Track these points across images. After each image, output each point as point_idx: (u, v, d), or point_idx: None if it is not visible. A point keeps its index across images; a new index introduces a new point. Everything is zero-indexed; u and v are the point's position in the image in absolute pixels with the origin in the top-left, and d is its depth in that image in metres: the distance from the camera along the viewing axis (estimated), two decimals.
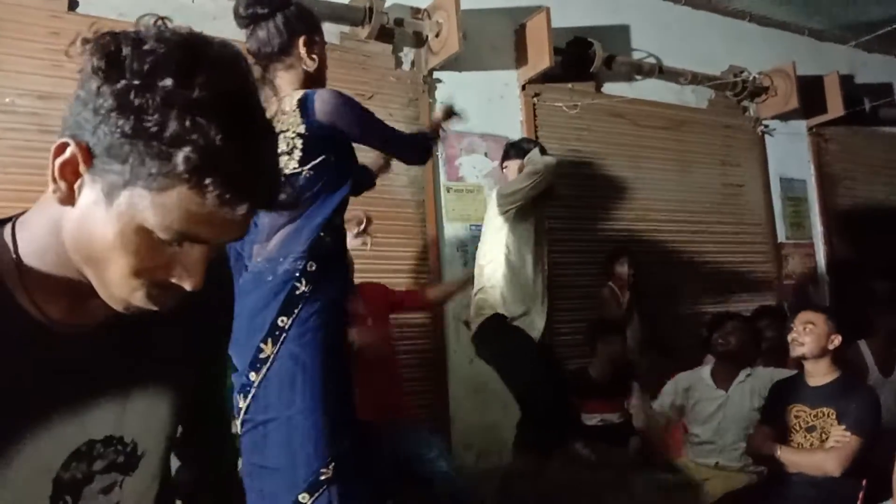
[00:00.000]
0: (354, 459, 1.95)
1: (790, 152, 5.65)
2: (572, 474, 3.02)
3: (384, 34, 4.03)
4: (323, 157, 1.98)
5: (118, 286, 0.73)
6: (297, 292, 1.92)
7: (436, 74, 4.21)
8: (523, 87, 4.50)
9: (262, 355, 1.90)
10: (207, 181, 0.66)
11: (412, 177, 4.09)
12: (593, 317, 4.00)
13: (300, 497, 1.84)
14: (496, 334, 2.92)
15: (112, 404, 0.82)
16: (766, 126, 5.53)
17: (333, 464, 1.87)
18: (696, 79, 5.14)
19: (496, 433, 3.65)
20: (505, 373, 2.93)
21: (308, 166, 1.96)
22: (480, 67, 4.37)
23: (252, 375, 1.91)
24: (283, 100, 2.03)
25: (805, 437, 2.79)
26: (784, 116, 5.50)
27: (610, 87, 4.88)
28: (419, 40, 4.14)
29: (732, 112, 5.47)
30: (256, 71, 2.06)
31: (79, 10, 3.36)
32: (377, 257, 3.52)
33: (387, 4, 3.98)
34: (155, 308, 0.75)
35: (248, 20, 2.07)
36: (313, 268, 1.95)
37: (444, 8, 3.96)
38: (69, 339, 0.79)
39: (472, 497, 2.71)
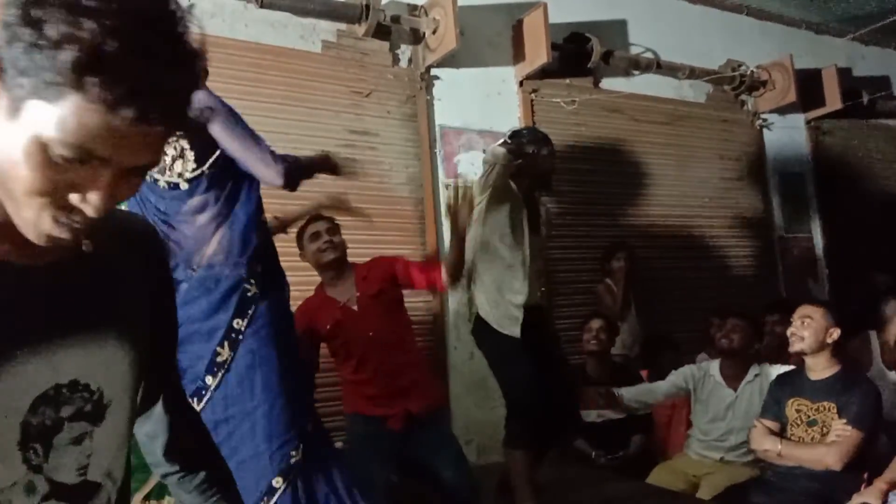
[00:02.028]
0: (319, 442, 2.01)
1: (788, 146, 5.65)
2: (564, 471, 3.02)
3: (381, 31, 4.02)
4: (218, 151, 1.98)
5: (25, 207, 0.73)
6: (249, 294, 1.97)
7: (433, 71, 4.21)
8: (521, 83, 4.50)
9: (219, 359, 1.94)
10: (92, 81, 0.65)
11: (410, 174, 4.09)
12: (590, 312, 3.98)
13: (273, 482, 1.89)
14: (480, 334, 2.91)
15: (75, 348, 0.83)
16: (765, 120, 5.53)
17: (301, 446, 1.93)
18: (693, 73, 5.14)
19: (496, 429, 3.64)
20: (493, 370, 2.94)
21: (207, 165, 1.97)
22: (478, 64, 4.37)
23: (208, 379, 1.94)
24: None
25: (806, 430, 2.80)
26: (782, 110, 5.50)
27: (608, 83, 4.87)
28: (416, 37, 4.14)
29: (730, 106, 5.47)
30: None
31: None
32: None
33: (383, 1, 3.98)
34: (66, 237, 0.74)
35: None
36: (259, 269, 2.00)
37: (441, 4, 3.96)
38: (22, 276, 0.79)
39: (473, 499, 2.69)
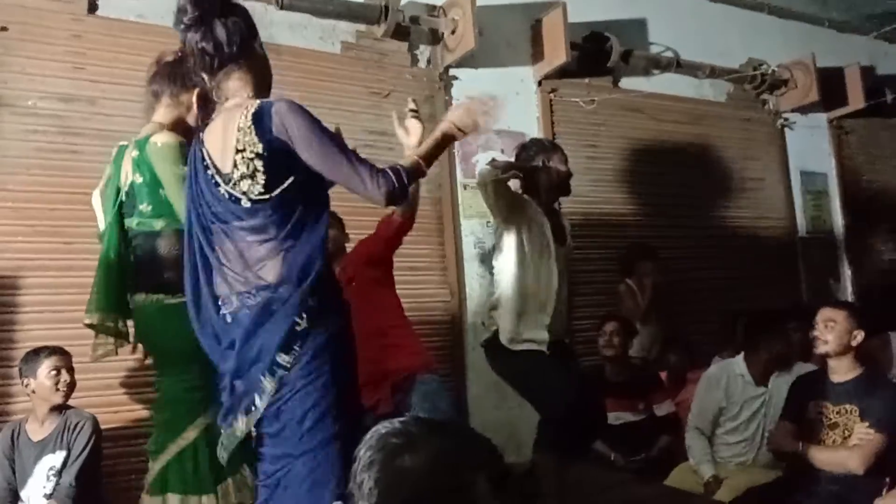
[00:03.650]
0: None
1: (810, 145, 5.59)
2: (592, 474, 3.00)
3: (400, 32, 4.03)
4: (292, 178, 1.81)
5: None
6: (298, 328, 1.79)
7: (452, 71, 4.21)
8: (539, 83, 4.49)
9: (263, 385, 1.81)
10: None
11: (429, 175, 4.05)
12: (605, 315, 3.95)
13: None
14: (494, 356, 2.84)
15: None
16: (786, 119, 5.48)
17: (341, 500, 1.73)
18: (714, 72, 5.10)
19: (514, 428, 3.66)
20: (517, 388, 2.88)
21: (277, 192, 1.80)
22: (496, 64, 4.36)
23: (258, 401, 1.82)
24: (233, 110, 1.86)
25: (827, 434, 2.77)
26: (804, 109, 5.45)
27: (627, 82, 4.85)
28: (435, 37, 4.14)
29: (752, 105, 5.42)
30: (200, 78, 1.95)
31: (99, 12, 3.39)
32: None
33: (402, 2, 3.99)
34: None
35: (198, 16, 1.84)
36: (314, 303, 1.82)
37: (460, 5, 3.96)
38: None
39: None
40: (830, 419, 2.77)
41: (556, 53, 4.29)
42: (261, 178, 1.79)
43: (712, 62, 5.08)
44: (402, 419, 1.27)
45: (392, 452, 1.21)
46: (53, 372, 2.69)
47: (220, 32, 1.85)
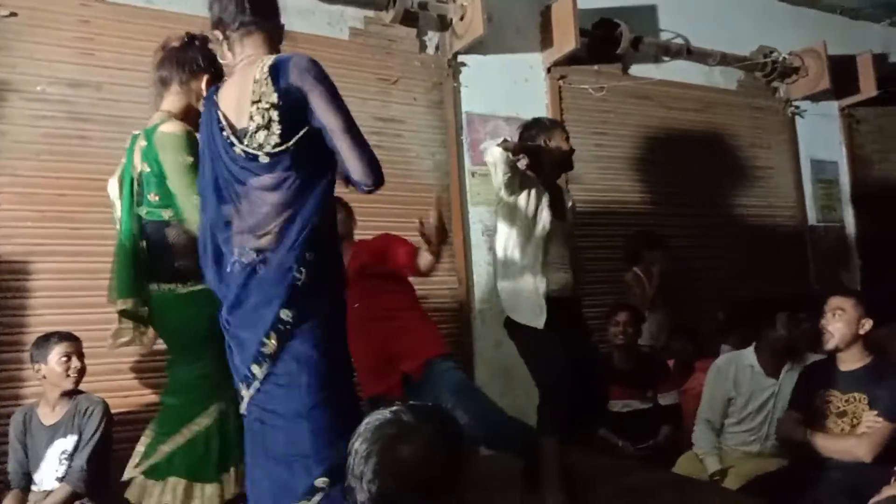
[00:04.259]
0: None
1: (821, 134, 5.56)
2: (590, 461, 3.00)
3: (408, 18, 4.02)
4: (306, 128, 1.84)
5: None
6: (298, 283, 1.83)
7: (460, 58, 4.20)
8: (549, 70, 4.47)
9: (265, 350, 1.84)
10: None
11: (437, 161, 4.09)
12: (616, 304, 3.95)
13: (317, 482, 1.81)
14: (509, 327, 2.89)
15: None
16: (797, 107, 5.44)
17: (329, 474, 1.82)
18: (724, 59, 5.07)
19: (522, 415, 3.63)
20: (524, 361, 2.91)
21: (293, 141, 1.82)
22: (505, 50, 4.34)
23: (255, 368, 1.86)
24: (248, 67, 1.89)
25: (836, 422, 2.76)
26: (815, 97, 5.41)
27: (637, 69, 4.82)
28: (443, 24, 4.13)
29: (762, 93, 5.39)
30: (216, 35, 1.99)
31: None
32: None
33: None
34: None
35: None
36: (311, 257, 1.85)
37: None
38: None
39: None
40: (839, 407, 2.77)
41: (566, 40, 4.26)
42: (276, 128, 1.82)
43: (723, 49, 5.04)
44: (392, 409, 1.29)
45: (387, 443, 1.24)
46: (64, 358, 2.71)
47: None
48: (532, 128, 3.01)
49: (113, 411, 2.84)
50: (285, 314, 1.83)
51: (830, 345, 2.79)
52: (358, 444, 1.26)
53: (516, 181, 2.74)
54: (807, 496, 2.67)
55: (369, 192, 1.91)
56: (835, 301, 2.83)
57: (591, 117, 4.59)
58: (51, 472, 2.71)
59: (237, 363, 1.93)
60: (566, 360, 2.71)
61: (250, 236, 1.87)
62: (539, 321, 2.72)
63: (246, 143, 1.85)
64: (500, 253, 2.86)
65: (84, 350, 2.79)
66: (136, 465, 2.25)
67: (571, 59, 4.43)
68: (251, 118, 1.84)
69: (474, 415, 2.58)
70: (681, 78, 4.98)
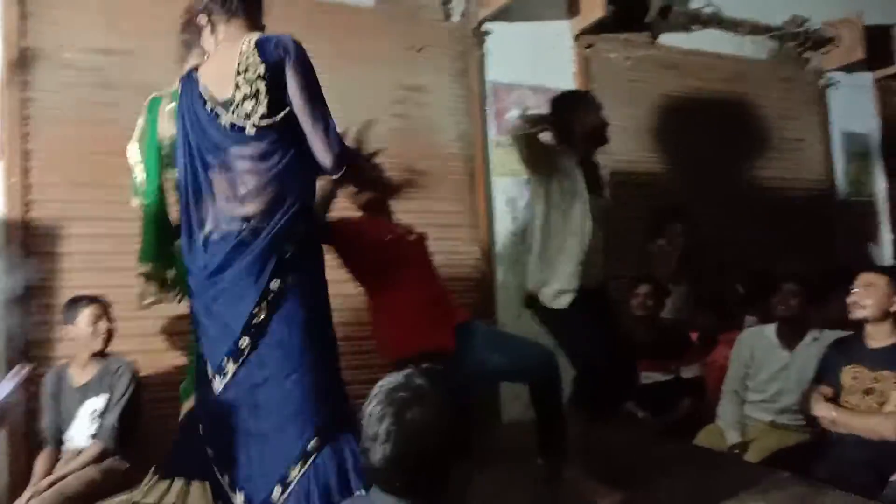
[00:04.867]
0: (339, 421, 1.94)
1: (854, 105, 5.44)
2: (619, 432, 3.01)
3: None
4: (288, 108, 1.91)
5: None
6: (288, 255, 1.90)
7: (486, 26, 4.15)
8: (576, 38, 4.41)
9: (255, 321, 1.88)
10: None
11: (461, 132, 4.07)
12: (638, 276, 3.93)
13: (290, 469, 1.87)
14: (536, 308, 2.86)
15: None
16: (829, 78, 5.33)
17: (320, 434, 1.89)
18: (756, 29, 4.96)
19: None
20: (554, 338, 2.89)
21: (280, 116, 1.89)
22: (532, 18, 4.28)
23: (244, 341, 1.90)
24: (231, 44, 1.95)
25: (862, 398, 2.73)
26: (848, 68, 5.28)
27: (666, 38, 4.74)
28: None
29: (793, 64, 5.27)
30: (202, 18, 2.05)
31: None
32: (425, 211, 3.53)
33: None
34: None
35: None
36: (301, 230, 1.92)
37: None
38: None
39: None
40: (866, 384, 2.74)
41: (593, 8, 4.20)
42: (263, 98, 1.88)
43: (754, 19, 4.93)
44: (405, 372, 1.32)
45: (401, 406, 1.27)
46: (92, 320, 2.77)
47: None
48: (563, 100, 2.94)
49: (142, 373, 2.91)
50: (275, 284, 1.89)
51: (859, 314, 2.77)
52: (372, 407, 1.30)
53: (537, 157, 2.69)
54: (828, 471, 2.67)
55: (333, 175, 1.96)
56: (866, 276, 2.79)
57: (619, 87, 4.52)
58: (83, 430, 2.78)
59: (212, 342, 1.96)
60: (597, 337, 2.71)
61: (235, 204, 1.91)
62: (563, 302, 2.70)
63: (233, 112, 1.90)
64: (534, 231, 2.80)
65: (114, 313, 2.84)
66: None
67: (599, 28, 4.36)
68: (237, 87, 1.89)
69: (516, 348, 2.73)
70: (711, 48, 4.88)
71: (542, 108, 4.20)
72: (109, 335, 2.82)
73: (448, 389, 1.33)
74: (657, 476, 2.71)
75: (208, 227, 1.95)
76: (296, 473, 1.87)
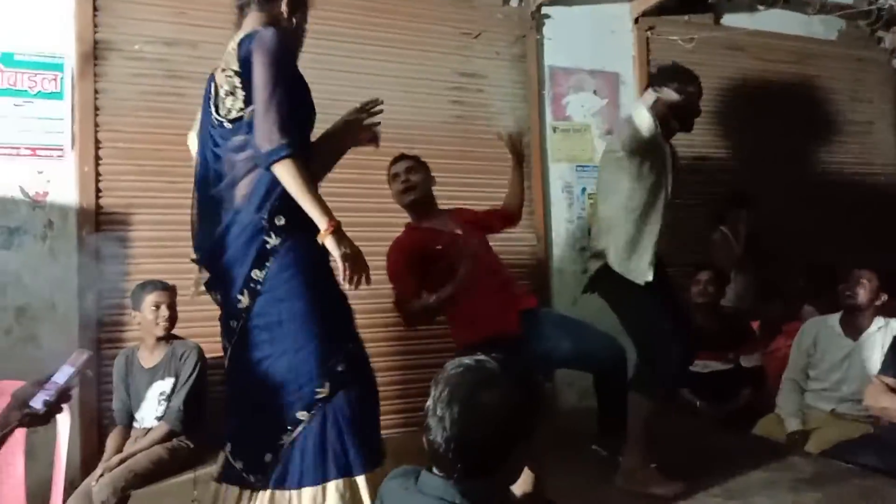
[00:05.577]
0: (352, 377, 1.99)
1: None
2: (669, 421, 2.98)
3: None
4: None
5: None
6: (268, 246, 1.93)
7: (544, 10, 4.12)
8: (636, 21, 4.33)
9: (240, 305, 1.95)
10: None
11: (517, 116, 4.05)
12: (701, 261, 3.87)
13: (298, 414, 1.93)
14: (606, 284, 2.79)
15: None
16: None
17: (328, 383, 1.94)
18: (825, 8, 4.78)
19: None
20: (622, 319, 2.85)
21: (250, 108, 1.91)
22: (591, 1, 4.23)
23: (232, 323, 1.98)
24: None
25: None
26: None
27: (730, 19, 4.62)
28: None
29: (865, 44, 5.07)
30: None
31: None
32: (480, 198, 3.54)
33: None
34: None
35: None
36: (282, 221, 1.93)
37: None
38: None
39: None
40: None
41: None
42: (240, 93, 1.93)
43: None
44: (476, 357, 1.34)
45: (470, 388, 1.29)
46: (154, 307, 2.87)
47: None
48: (674, 76, 2.78)
49: (207, 356, 3.00)
50: (256, 274, 1.93)
51: None
52: (441, 387, 1.32)
53: (654, 140, 2.61)
54: (892, 463, 2.60)
55: (266, 163, 1.87)
56: None
57: None
58: (151, 411, 2.89)
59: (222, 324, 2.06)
60: (668, 318, 2.68)
61: (229, 195, 1.97)
62: (648, 275, 2.65)
63: (220, 109, 1.99)
64: (615, 208, 2.72)
65: (180, 298, 2.94)
66: None
67: (660, 9, 4.28)
68: (221, 86, 1.98)
69: (584, 336, 2.82)
70: (777, 28, 4.73)
71: (599, 92, 4.20)
72: (171, 321, 2.91)
73: (517, 375, 1.35)
74: (715, 466, 2.69)
75: (215, 215, 2.02)
76: (305, 417, 1.93)
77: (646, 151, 2.63)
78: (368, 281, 1.94)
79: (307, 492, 1.91)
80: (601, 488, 2.59)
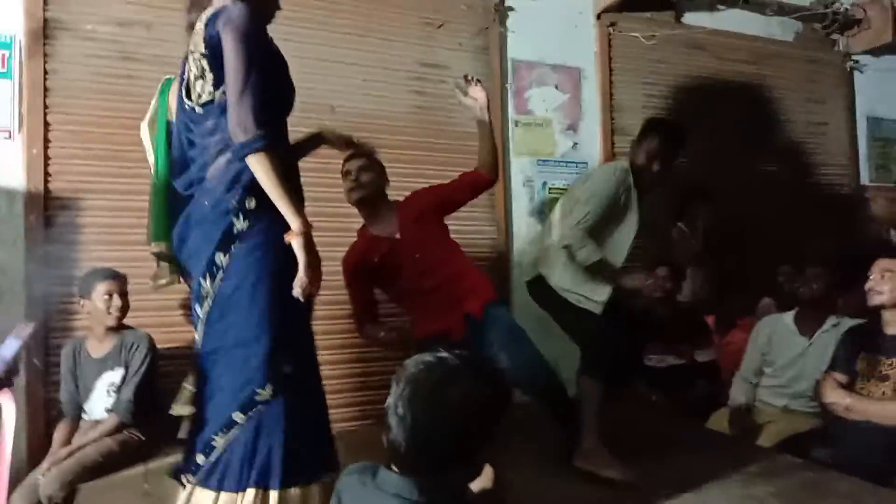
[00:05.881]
0: (298, 382, 1.92)
1: (881, 90, 5.32)
2: (622, 412, 3.02)
3: None
4: None
5: None
6: (235, 230, 1.85)
7: (508, 2, 4.11)
8: (598, 16, 4.35)
9: (202, 291, 1.89)
10: None
11: None
12: (655, 259, 3.91)
13: (234, 415, 1.87)
14: (542, 295, 2.91)
15: None
16: (856, 61, 5.22)
17: (271, 385, 1.86)
18: (783, 10, 4.87)
19: (559, 365, 3.67)
20: (561, 325, 2.93)
21: (220, 90, 1.82)
22: None
23: (197, 308, 1.93)
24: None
25: (877, 385, 2.72)
26: (877, 51, 5.17)
27: (690, 18, 4.67)
28: None
29: (820, 46, 5.17)
30: None
31: None
32: None
33: None
34: None
35: None
36: (252, 204, 1.85)
37: None
38: None
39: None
40: (881, 371, 2.72)
41: None
42: (209, 76, 1.84)
43: None
44: (437, 353, 1.32)
45: (431, 385, 1.27)
46: (106, 296, 2.79)
47: None
48: (669, 130, 3.10)
49: (158, 346, 2.94)
50: (219, 258, 1.86)
51: (876, 301, 2.75)
52: (401, 385, 1.29)
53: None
54: (840, 457, 2.66)
55: (239, 155, 1.79)
56: (883, 263, 2.77)
57: (641, 66, 4.47)
58: (100, 403, 2.82)
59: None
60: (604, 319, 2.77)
61: (202, 174, 1.92)
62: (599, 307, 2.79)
63: (191, 94, 1.90)
64: (573, 225, 2.79)
65: (131, 286, 2.86)
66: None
67: (622, 6, 4.30)
68: (190, 69, 1.89)
69: (522, 359, 2.65)
70: (736, 28, 4.80)
71: (561, 86, 4.20)
72: (122, 311, 2.84)
73: (479, 370, 1.34)
74: (668, 458, 2.72)
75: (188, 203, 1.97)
76: (240, 420, 1.87)
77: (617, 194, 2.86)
78: (316, 293, 1.89)
79: (225, 496, 1.86)
80: (557, 471, 2.62)
